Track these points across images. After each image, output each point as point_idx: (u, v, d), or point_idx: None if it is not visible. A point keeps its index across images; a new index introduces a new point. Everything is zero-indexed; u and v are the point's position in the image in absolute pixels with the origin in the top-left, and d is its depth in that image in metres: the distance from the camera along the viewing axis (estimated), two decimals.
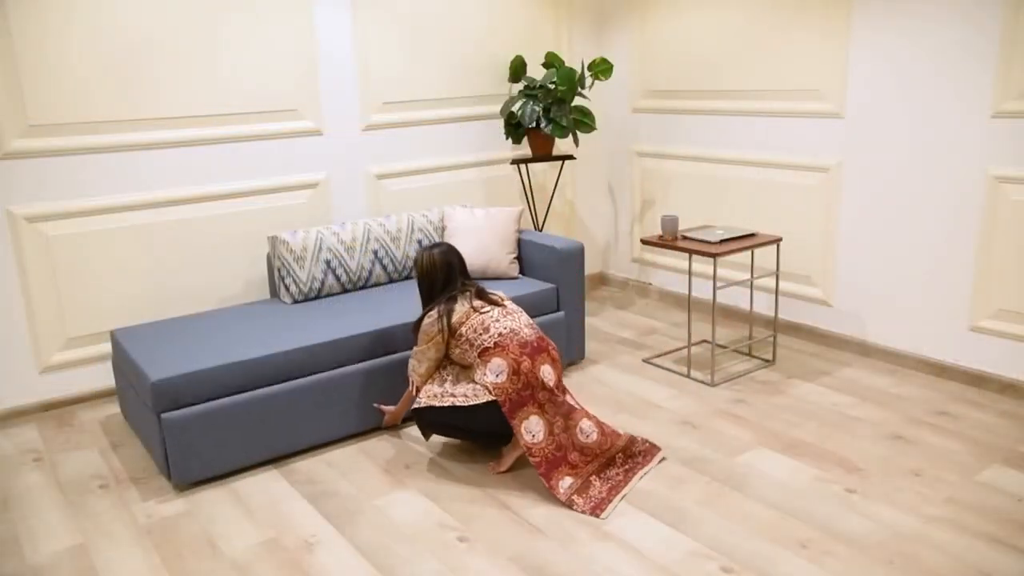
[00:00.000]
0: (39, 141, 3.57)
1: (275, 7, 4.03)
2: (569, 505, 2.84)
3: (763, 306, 4.53)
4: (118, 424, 3.66)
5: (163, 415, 2.94)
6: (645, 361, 4.18)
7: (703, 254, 3.74)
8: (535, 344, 3.04)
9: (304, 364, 3.25)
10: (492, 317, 3.07)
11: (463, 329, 3.05)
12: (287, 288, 3.82)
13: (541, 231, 4.92)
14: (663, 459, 3.13)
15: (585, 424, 3.04)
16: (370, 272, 4.00)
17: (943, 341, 3.84)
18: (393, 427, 3.49)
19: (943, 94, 3.64)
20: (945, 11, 3.56)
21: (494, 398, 2.93)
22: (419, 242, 4.14)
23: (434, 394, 3.07)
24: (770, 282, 4.41)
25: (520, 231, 4.30)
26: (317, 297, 3.88)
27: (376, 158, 4.53)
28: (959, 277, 3.73)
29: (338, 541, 2.69)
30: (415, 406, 3.11)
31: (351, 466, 3.19)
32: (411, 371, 3.20)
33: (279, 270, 3.83)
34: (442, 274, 3.17)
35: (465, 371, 3.11)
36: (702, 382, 3.89)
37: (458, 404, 3.00)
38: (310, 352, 3.26)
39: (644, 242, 4.05)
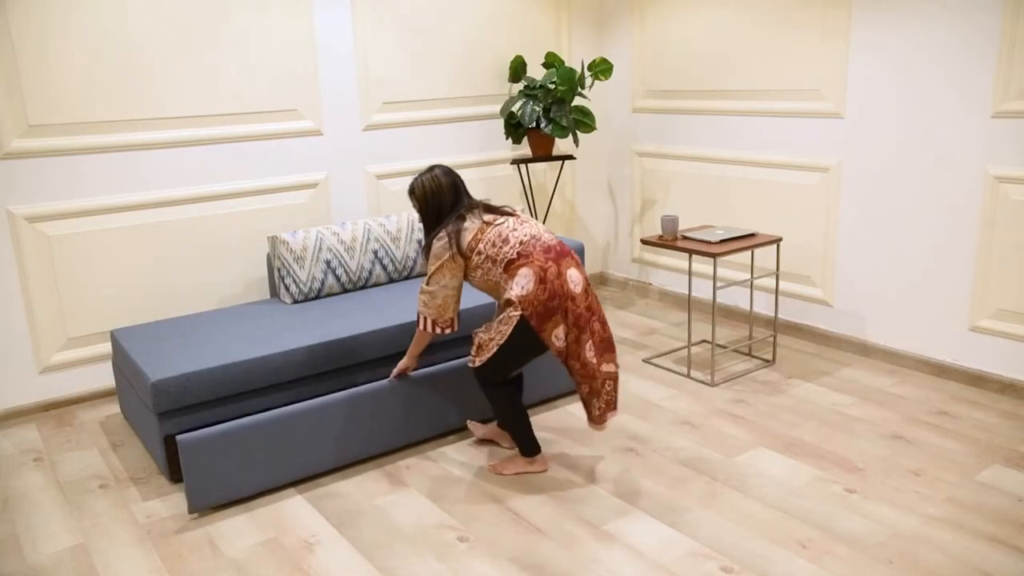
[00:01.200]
0: (39, 141, 3.58)
1: (275, 7, 4.03)
2: (590, 395, 2.92)
3: (763, 306, 4.53)
4: (118, 424, 3.66)
5: (179, 438, 2.79)
6: (645, 361, 4.18)
7: (703, 254, 3.75)
8: (558, 248, 2.88)
9: (304, 365, 3.25)
10: (509, 227, 2.89)
11: (481, 246, 2.86)
12: (287, 288, 3.82)
13: None
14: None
15: (588, 353, 2.89)
16: (370, 272, 4.00)
17: (943, 341, 3.84)
18: (404, 374, 3.22)
19: (943, 94, 3.64)
20: (945, 11, 3.56)
21: (520, 313, 2.78)
22: (418, 242, 4.13)
23: (482, 344, 2.90)
24: (770, 282, 4.41)
25: None
26: (317, 297, 3.88)
27: (376, 158, 4.53)
28: (959, 277, 3.73)
29: (338, 541, 2.69)
30: (472, 366, 2.95)
31: (352, 466, 3.19)
32: (421, 306, 2.97)
33: (279, 270, 3.83)
34: (450, 194, 2.95)
35: (496, 296, 2.94)
36: (702, 382, 3.89)
37: (501, 342, 2.84)
38: (310, 352, 3.26)
39: (644, 242, 4.05)
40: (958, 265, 3.72)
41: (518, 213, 3.00)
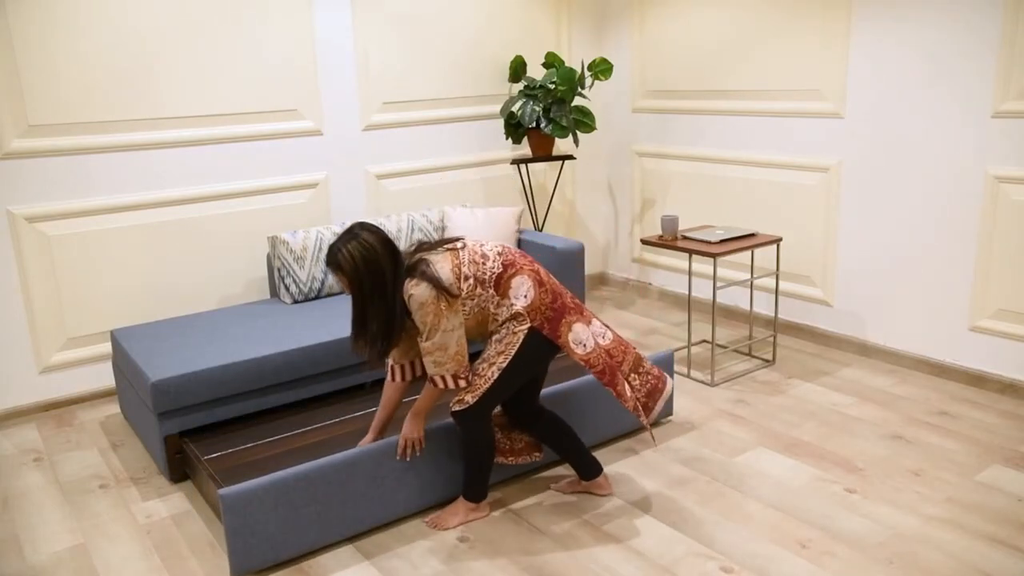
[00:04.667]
0: (39, 141, 3.57)
1: (275, 7, 4.03)
2: (636, 412, 2.66)
3: (763, 306, 4.53)
4: (118, 424, 3.66)
5: (221, 492, 2.43)
6: None
7: (703, 254, 3.74)
8: (523, 253, 2.68)
9: (304, 365, 3.25)
10: (476, 245, 2.59)
11: (465, 270, 2.50)
12: (287, 288, 3.82)
13: (541, 231, 4.92)
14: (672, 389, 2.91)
15: (597, 325, 2.71)
16: None
17: (943, 341, 3.84)
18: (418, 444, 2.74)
19: (943, 94, 3.64)
20: (945, 11, 3.56)
21: (529, 324, 2.54)
22: (419, 242, 4.11)
23: (474, 384, 2.57)
24: (770, 282, 4.41)
25: (520, 231, 4.31)
26: (317, 297, 3.88)
27: (376, 158, 4.53)
28: (959, 277, 3.72)
29: (339, 542, 2.69)
30: (459, 408, 2.59)
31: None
32: (434, 367, 2.51)
33: (279, 270, 3.83)
34: (387, 255, 2.45)
35: (483, 332, 2.62)
36: (702, 382, 3.89)
37: (504, 364, 2.53)
38: (310, 352, 3.26)
39: (644, 242, 4.05)
40: (958, 265, 3.72)
41: (462, 243, 2.63)
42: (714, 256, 3.72)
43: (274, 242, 3.84)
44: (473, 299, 2.52)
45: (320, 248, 3.85)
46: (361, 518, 2.69)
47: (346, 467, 2.62)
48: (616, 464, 3.13)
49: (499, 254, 2.58)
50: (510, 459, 2.90)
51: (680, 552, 2.57)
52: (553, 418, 2.85)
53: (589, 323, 2.68)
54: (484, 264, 2.54)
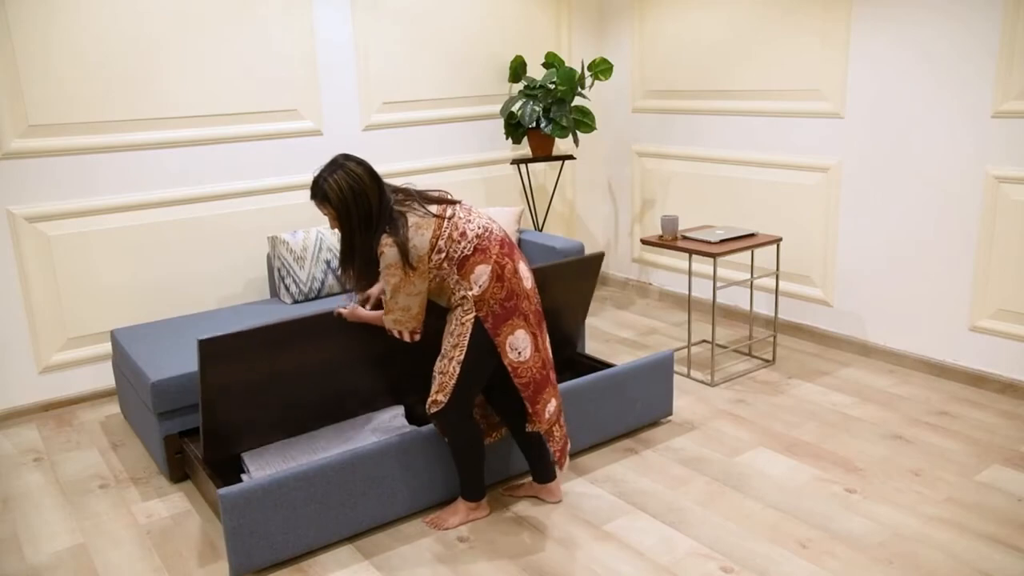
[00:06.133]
0: (39, 141, 3.57)
1: (275, 7, 4.03)
2: (547, 437, 2.64)
3: (763, 306, 4.53)
4: (118, 424, 3.66)
5: (221, 492, 2.42)
6: None
7: (703, 254, 3.75)
8: (509, 242, 2.59)
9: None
10: (462, 219, 2.51)
11: (441, 243, 2.45)
12: (287, 288, 3.82)
13: (541, 231, 4.92)
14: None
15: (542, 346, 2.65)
16: None
17: (943, 341, 3.84)
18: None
19: (943, 94, 3.64)
20: (945, 12, 3.56)
21: (475, 315, 2.49)
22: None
23: (439, 383, 2.56)
24: (770, 282, 4.41)
25: (520, 231, 4.30)
26: (317, 297, 3.88)
27: (376, 158, 4.46)
28: (959, 277, 3.73)
29: (339, 542, 2.69)
30: (435, 410, 2.59)
31: None
32: (392, 324, 2.53)
33: (279, 270, 3.83)
34: (374, 188, 2.42)
35: (441, 298, 2.57)
36: (702, 382, 3.89)
37: (461, 357, 2.50)
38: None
39: (644, 242, 4.05)
40: (958, 265, 3.72)
41: (456, 199, 2.61)
42: (714, 256, 3.72)
43: (274, 242, 3.84)
44: (435, 271, 2.49)
45: (320, 248, 3.85)
46: (361, 518, 2.69)
47: (346, 467, 2.62)
48: (616, 464, 3.13)
49: (477, 236, 2.50)
50: (492, 436, 2.87)
51: (680, 552, 2.57)
52: (477, 429, 2.76)
53: (535, 338, 2.60)
54: (459, 243, 2.48)
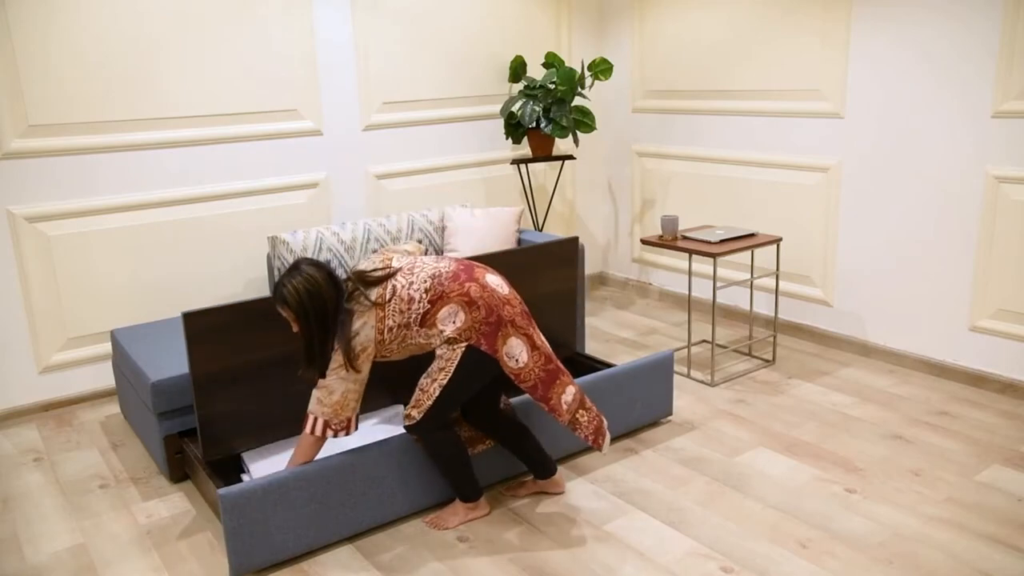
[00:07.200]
0: (39, 141, 3.58)
1: (275, 7, 4.03)
2: (572, 427, 2.65)
3: (763, 306, 4.53)
4: (118, 424, 3.66)
5: (221, 492, 2.43)
6: None
7: (703, 254, 3.75)
8: (464, 267, 2.63)
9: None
10: (404, 286, 2.55)
11: (390, 322, 2.53)
12: None
13: (541, 231, 4.92)
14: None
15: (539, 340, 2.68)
16: None
17: (943, 341, 3.84)
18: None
19: (943, 94, 3.64)
20: (945, 11, 3.56)
21: (465, 343, 2.54)
22: (419, 242, 4.13)
23: (416, 400, 2.61)
24: (770, 282, 4.41)
25: (520, 231, 4.30)
26: None
27: (376, 158, 4.53)
28: (959, 277, 3.73)
29: (339, 542, 2.69)
30: (408, 423, 2.62)
31: None
32: (315, 403, 2.57)
33: (279, 270, 3.83)
34: (330, 289, 2.49)
35: (426, 350, 2.63)
36: (702, 382, 3.89)
37: (444, 381, 2.55)
38: None
39: (644, 242, 4.05)
40: (958, 265, 3.72)
41: (392, 261, 2.63)
42: (714, 256, 3.72)
43: (274, 242, 3.84)
44: (398, 340, 2.56)
45: (320, 248, 3.85)
46: (361, 518, 2.68)
47: (346, 467, 2.62)
48: (616, 464, 3.13)
49: (427, 291, 2.55)
50: (479, 447, 2.87)
51: (680, 552, 2.57)
52: (509, 423, 2.82)
53: (528, 338, 2.62)
54: (410, 308, 2.54)
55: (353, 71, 4.35)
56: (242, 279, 4.18)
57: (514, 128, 4.68)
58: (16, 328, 3.67)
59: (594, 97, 5.09)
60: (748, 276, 4.43)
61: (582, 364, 3.63)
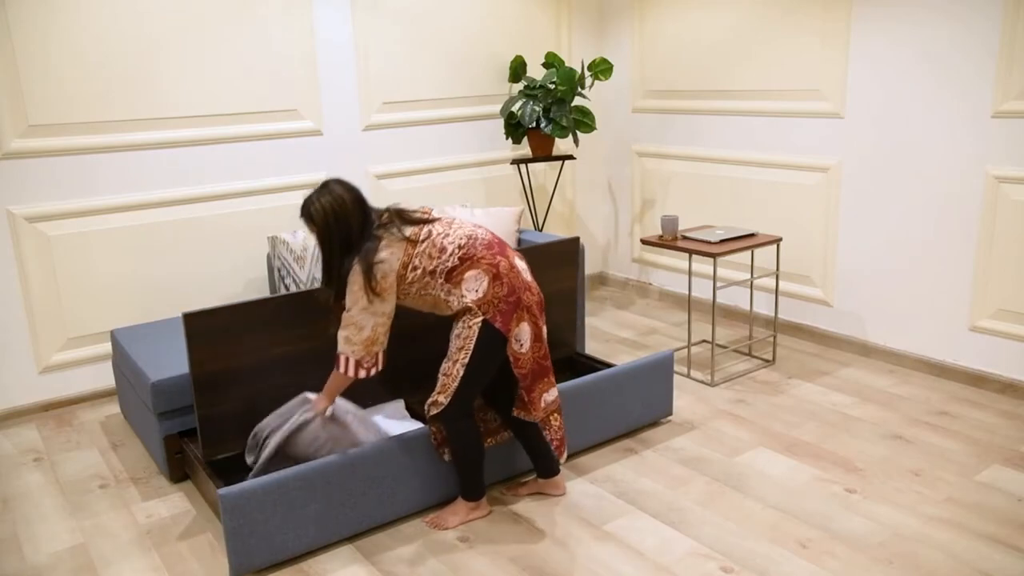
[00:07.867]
0: (39, 141, 3.58)
1: (275, 7, 4.03)
2: (544, 426, 2.75)
3: (763, 306, 4.53)
4: (118, 424, 3.66)
5: (221, 492, 2.42)
6: None
7: (703, 254, 3.75)
8: (498, 242, 2.66)
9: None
10: (439, 235, 2.58)
11: (416, 260, 2.54)
12: (287, 288, 3.82)
13: (541, 231, 4.92)
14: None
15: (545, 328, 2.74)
16: None
17: (943, 341, 3.84)
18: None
19: (943, 94, 3.64)
20: (945, 11, 3.56)
21: (482, 317, 2.54)
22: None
23: (442, 385, 2.60)
24: (770, 282, 4.41)
25: (520, 231, 4.30)
26: None
27: (376, 158, 4.53)
28: (959, 277, 3.73)
29: (339, 542, 2.69)
30: (436, 411, 2.62)
31: None
32: (343, 343, 2.56)
33: (279, 270, 3.83)
34: (357, 213, 2.53)
35: (435, 310, 2.64)
36: (702, 382, 3.89)
37: (466, 360, 2.54)
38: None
39: (644, 242, 4.05)
40: (958, 265, 3.72)
41: (437, 216, 2.67)
42: (714, 256, 3.72)
43: (274, 242, 3.84)
44: (419, 284, 2.57)
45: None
46: (361, 518, 2.68)
47: (346, 467, 2.62)
48: (616, 464, 3.13)
49: (460, 247, 2.57)
50: (488, 441, 2.88)
51: (680, 552, 2.57)
52: (477, 427, 2.78)
53: (536, 328, 2.67)
54: (440, 257, 2.56)
55: (353, 71, 4.35)
56: (242, 279, 4.18)
57: (514, 128, 4.68)
58: (16, 328, 3.67)
59: (594, 97, 5.09)
60: (748, 276, 4.43)
61: (582, 364, 3.63)
